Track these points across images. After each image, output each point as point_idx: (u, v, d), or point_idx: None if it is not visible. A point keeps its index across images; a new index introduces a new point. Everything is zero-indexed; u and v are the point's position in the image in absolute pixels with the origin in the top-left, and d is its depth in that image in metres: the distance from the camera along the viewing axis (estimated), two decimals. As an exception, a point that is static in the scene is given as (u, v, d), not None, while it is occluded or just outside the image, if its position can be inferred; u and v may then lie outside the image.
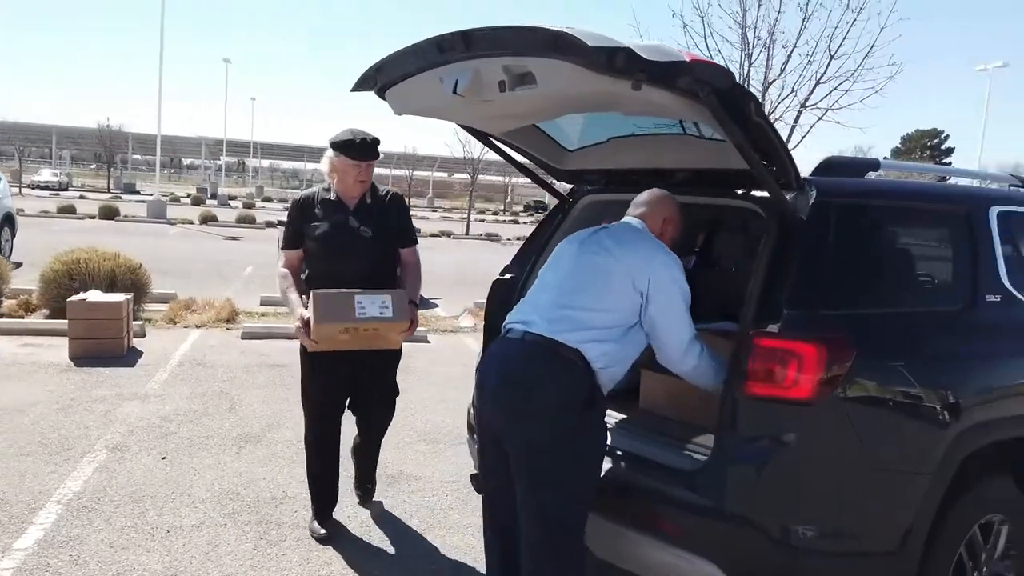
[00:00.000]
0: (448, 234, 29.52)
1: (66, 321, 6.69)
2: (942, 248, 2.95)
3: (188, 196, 47.38)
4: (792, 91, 10.42)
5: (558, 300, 2.50)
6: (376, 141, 3.39)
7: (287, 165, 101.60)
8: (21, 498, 3.78)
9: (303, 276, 3.54)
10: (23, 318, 7.80)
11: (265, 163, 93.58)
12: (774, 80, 10.49)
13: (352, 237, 3.44)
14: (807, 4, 10.19)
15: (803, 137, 10.83)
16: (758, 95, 9.32)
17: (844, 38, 10.05)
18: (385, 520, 3.81)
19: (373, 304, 3.28)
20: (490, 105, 2.56)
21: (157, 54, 32.55)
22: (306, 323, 3.29)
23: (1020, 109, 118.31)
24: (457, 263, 16.98)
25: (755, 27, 10.38)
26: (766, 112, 2.30)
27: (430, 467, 4.60)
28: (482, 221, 42.44)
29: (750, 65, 10.48)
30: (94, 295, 6.93)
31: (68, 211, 27.76)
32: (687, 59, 2.04)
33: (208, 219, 28.72)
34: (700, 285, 2.65)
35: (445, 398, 6.00)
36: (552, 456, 2.34)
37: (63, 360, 6.41)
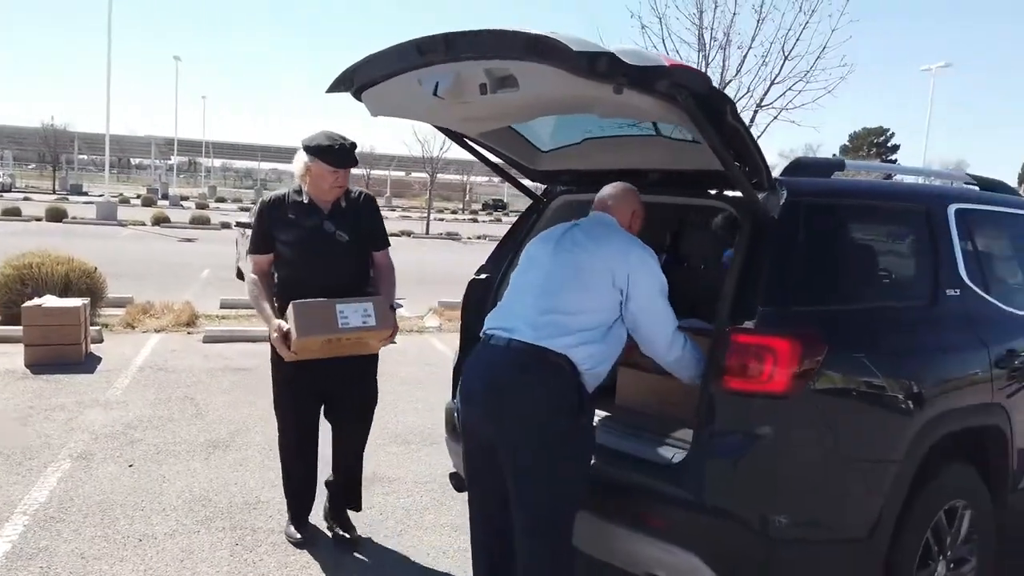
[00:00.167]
0: (408, 233, 29.35)
1: (20, 327, 6.51)
2: (905, 245, 3.06)
3: (138, 197, 46.31)
4: (748, 91, 10.67)
5: (540, 304, 2.50)
6: (354, 146, 3.30)
7: (240, 164, 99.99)
8: (-17, 510, 3.68)
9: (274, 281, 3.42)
10: (-28, 325, 7.54)
11: (217, 163, 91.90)
12: (730, 80, 10.72)
13: (328, 242, 3.33)
14: (761, 6, 10.46)
15: (759, 136, 11.08)
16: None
17: (797, 40, 10.33)
18: (361, 522, 3.80)
19: (355, 313, 3.18)
20: (468, 107, 2.58)
21: (104, 51, 31.74)
22: (284, 334, 3.19)
23: (963, 108, 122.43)
24: (419, 263, 16.90)
25: (711, 28, 10.61)
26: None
27: (403, 468, 4.60)
28: (441, 220, 42.27)
29: (707, 66, 10.68)
30: (50, 300, 6.76)
31: (13, 213, 26.87)
32: (666, 64, 2.08)
33: (161, 220, 28.09)
34: (670, 283, 2.69)
35: (414, 398, 6.00)
36: (546, 461, 2.37)
37: (19, 367, 6.23)
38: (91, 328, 7.12)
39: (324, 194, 3.35)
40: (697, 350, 2.59)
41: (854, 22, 10.38)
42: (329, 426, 3.63)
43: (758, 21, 10.48)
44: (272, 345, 3.30)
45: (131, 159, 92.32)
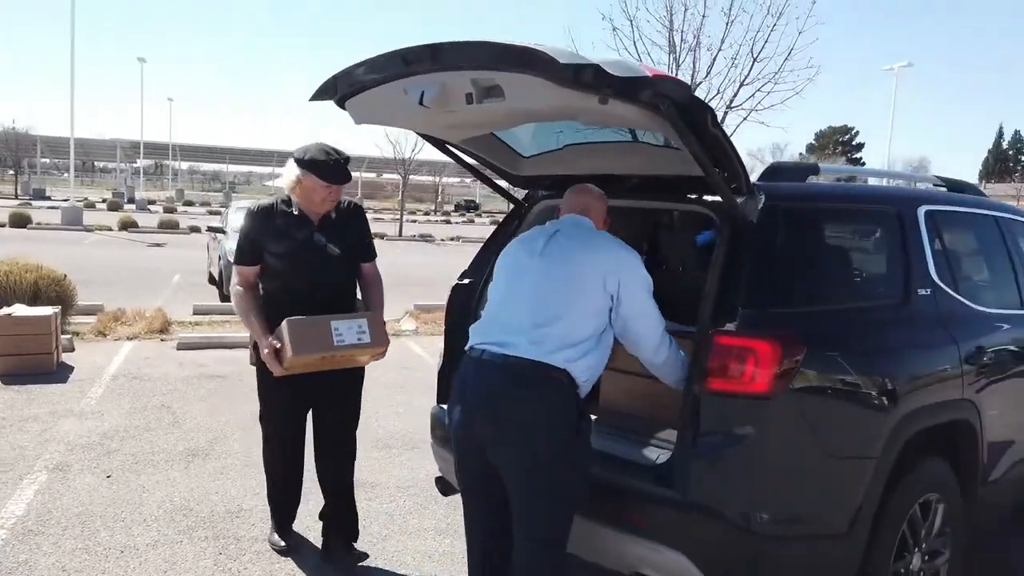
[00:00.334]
0: (381, 236, 29.20)
1: (-11, 337, 6.38)
2: (878, 246, 3.15)
3: (104, 201, 45.58)
4: (718, 93, 10.79)
5: (535, 318, 2.47)
6: (348, 160, 3.19)
7: (208, 167, 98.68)
8: (-41, 525, 3.62)
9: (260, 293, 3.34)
10: (-61, 335, 7.37)
11: (185, 165, 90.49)
12: (700, 82, 10.83)
13: (319, 255, 3.24)
14: (730, 8, 10.59)
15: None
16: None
17: (765, 42, 10.48)
18: (345, 528, 3.78)
19: (350, 330, 3.11)
20: (453, 115, 2.60)
21: (67, 53, 31.13)
22: (276, 351, 3.10)
23: (925, 106, 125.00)
24: (393, 265, 16.73)
25: (682, 31, 10.72)
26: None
27: (384, 473, 4.60)
28: (414, 222, 42.16)
29: (677, 68, 10.79)
30: (20, 309, 6.64)
31: (-26, 219, 26.28)
32: (650, 75, 2.13)
33: (128, 225, 27.66)
34: None
35: (394, 403, 6.00)
36: (548, 471, 2.39)
37: (-12, 378, 6.12)
38: (62, 337, 7.02)
39: (315, 207, 3.25)
40: (681, 352, 2.63)
41: (820, 24, 10.59)
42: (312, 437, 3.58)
43: (727, 24, 10.64)
44: (263, 360, 3.18)
45: (95, 162, 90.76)
